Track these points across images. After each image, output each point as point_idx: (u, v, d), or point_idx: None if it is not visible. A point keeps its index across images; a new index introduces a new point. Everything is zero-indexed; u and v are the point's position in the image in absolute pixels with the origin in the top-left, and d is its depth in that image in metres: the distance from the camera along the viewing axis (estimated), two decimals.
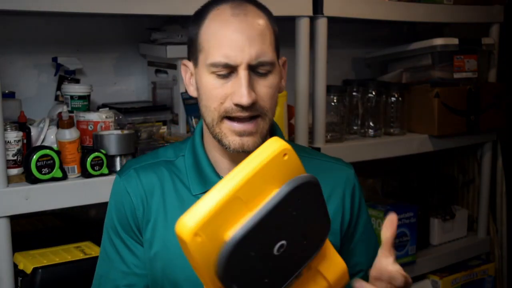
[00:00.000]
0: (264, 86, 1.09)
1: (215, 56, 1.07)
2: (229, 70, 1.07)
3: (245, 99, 1.05)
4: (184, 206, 1.16)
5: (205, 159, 1.19)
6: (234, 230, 0.73)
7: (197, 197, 1.16)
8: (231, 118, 1.09)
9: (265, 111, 1.10)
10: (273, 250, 0.77)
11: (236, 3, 1.10)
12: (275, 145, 0.78)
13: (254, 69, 1.08)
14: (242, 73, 1.06)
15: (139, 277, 1.19)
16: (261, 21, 1.09)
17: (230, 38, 1.06)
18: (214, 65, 1.07)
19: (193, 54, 1.14)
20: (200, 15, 1.12)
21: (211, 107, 1.10)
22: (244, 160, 0.78)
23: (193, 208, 0.72)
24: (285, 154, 0.78)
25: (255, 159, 0.77)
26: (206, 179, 1.17)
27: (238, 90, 1.06)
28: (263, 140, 1.11)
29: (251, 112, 1.08)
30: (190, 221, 0.70)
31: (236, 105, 1.07)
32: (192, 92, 1.17)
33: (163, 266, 1.16)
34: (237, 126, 1.09)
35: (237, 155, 1.12)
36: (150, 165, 1.21)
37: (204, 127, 1.18)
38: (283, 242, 0.77)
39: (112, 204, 1.23)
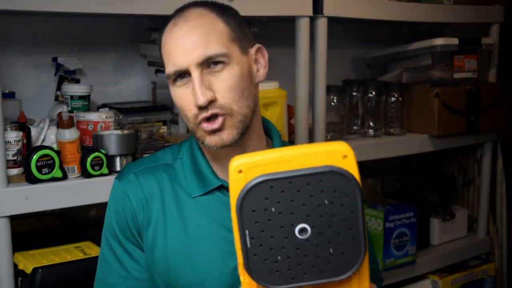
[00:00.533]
0: (221, 80, 1.08)
1: (168, 67, 1.10)
2: (184, 77, 1.09)
3: (199, 99, 1.06)
4: (182, 209, 1.16)
5: (203, 161, 1.18)
6: None
7: (196, 199, 1.16)
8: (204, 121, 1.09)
9: (226, 108, 1.08)
10: (295, 228, 0.78)
11: (179, 14, 1.12)
12: (340, 144, 0.81)
13: (209, 67, 1.08)
14: (193, 74, 1.07)
15: (139, 281, 1.19)
16: (203, 20, 1.09)
17: (174, 47, 1.09)
18: (169, 76, 1.10)
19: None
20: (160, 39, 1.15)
21: (184, 117, 1.12)
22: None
23: (250, 153, 0.82)
24: (345, 156, 0.80)
25: (318, 145, 0.82)
26: (206, 180, 1.17)
27: (194, 93, 1.07)
28: (242, 132, 1.10)
29: (212, 110, 1.07)
30: (240, 160, 0.80)
31: (198, 108, 1.07)
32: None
33: (163, 271, 1.16)
34: (206, 125, 1.08)
35: (231, 155, 1.11)
36: (149, 168, 1.21)
37: None
38: (307, 226, 0.78)
39: (111, 208, 1.22)
